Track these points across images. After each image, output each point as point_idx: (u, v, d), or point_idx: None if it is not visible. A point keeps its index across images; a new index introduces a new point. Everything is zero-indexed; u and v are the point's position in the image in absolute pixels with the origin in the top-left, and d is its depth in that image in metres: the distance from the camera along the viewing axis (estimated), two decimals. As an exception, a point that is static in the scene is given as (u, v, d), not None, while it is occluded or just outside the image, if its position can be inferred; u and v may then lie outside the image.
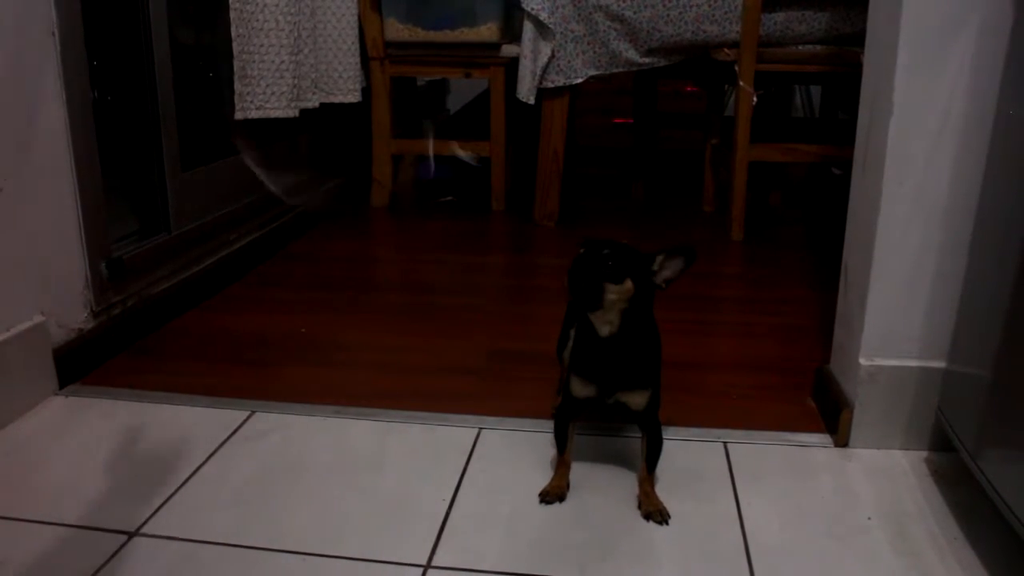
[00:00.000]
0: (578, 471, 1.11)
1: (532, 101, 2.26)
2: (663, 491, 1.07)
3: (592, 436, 1.22)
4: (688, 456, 1.18)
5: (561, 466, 1.09)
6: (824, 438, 1.22)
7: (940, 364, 1.13)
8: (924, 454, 1.17)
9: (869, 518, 1.04)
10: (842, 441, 1.19)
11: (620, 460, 1.16)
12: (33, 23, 1.28)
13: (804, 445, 1.21)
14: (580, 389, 1.06)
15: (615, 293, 0.97)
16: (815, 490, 1.10)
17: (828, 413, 1.25)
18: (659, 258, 1.00)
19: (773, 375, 1.44)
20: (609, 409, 1.07)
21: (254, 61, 1.86)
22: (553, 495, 1.06)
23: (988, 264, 1.03)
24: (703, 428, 1.24)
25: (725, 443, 1.20)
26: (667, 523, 1.02)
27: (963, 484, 1.07)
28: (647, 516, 1.03)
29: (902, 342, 1.15)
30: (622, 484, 1.10)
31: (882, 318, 1.15)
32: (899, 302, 1.14)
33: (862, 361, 1.16)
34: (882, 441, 1.18)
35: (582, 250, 0.99)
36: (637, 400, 1.05)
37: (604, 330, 1.01)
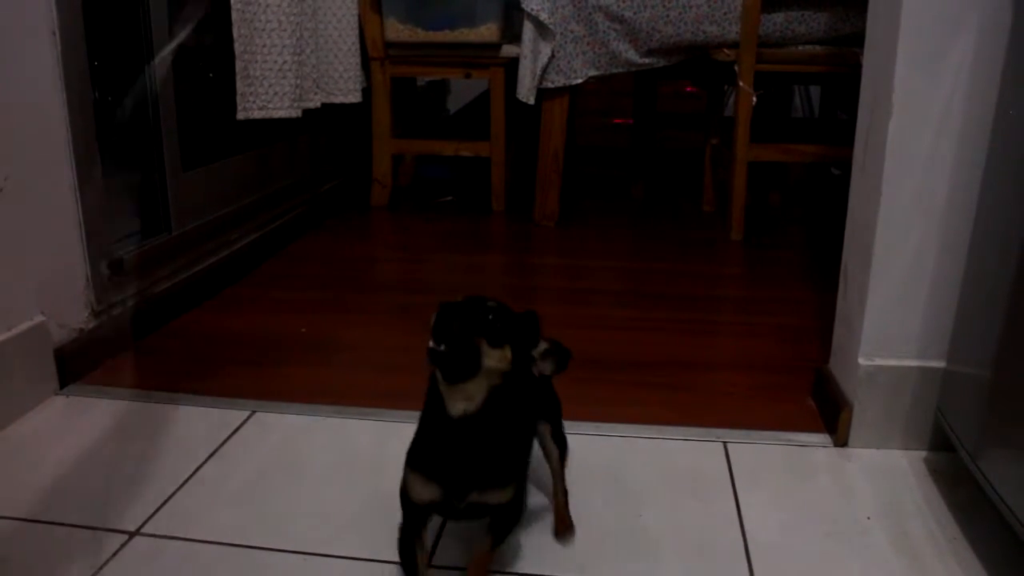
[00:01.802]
0: (575, 470, 1.11)
1: (532, 101, 2.26)
2: (663, 490, 1.07)
3: (586, 436, 1.22)
4: (688, 456, 1.18)
5: None
6: (824, 438, 1.22)
7: (939, 364, 1.13)
8: (923, 454, 1.17)
9: (868, 518, 1.04)
10: (841, 441, 1.19)
11: (618, 460, 1.16)
12: (34, 23, 1.28)
13: (804, 445, 1.21)
14: (421, 491, 0.82)
15: (493, 360, 0.76)
16: (814, 490, 1.11)
17: (828, 413, 1.25)
18: (543, 345, 0.81)
19: (773, 375, 1.45)
20: (460, 514, 0.84)
21: (256, 61, 1.86)
22: None
23: (987, 264, 1.03)
24: (703, 427, 1.24)
25: (725, 443, 1.20)
26: None
27: (962, 484, 1.08)
28: None
29: (901, 342, 1.15)
30: (621, 483, 1.10)
31: (881, 318, 1.15)
32: (898, 302, 1.14)
33: (861, 361, 1.16)
34: (881, 441, 1.18)
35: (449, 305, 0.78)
36: (498, 497, 0.83)
37: (459, 407, 0.77)
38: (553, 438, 0.99)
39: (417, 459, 0.83)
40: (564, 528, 1.00)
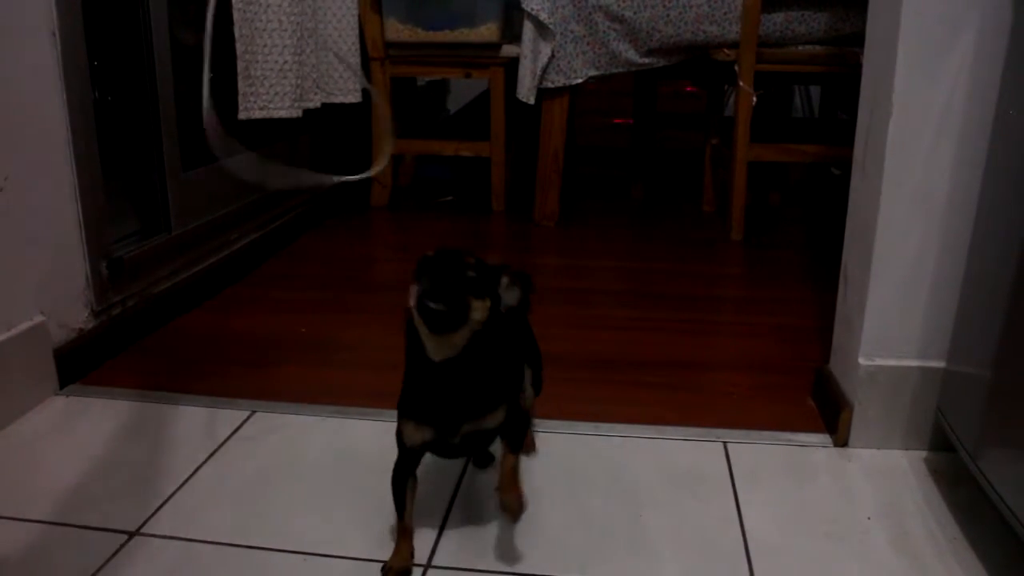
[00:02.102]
0: (575, 470, 1.11)
1: (532, 101, 2.26)
2: (661, 489, 1.07)
3: (586, 436, 1.22)
4: (688, 456, 1.18)
5: (403, 536, 0.94)
6: (824, 438, 1.22)
7: (940, 364, 1.13)
8: (923, 454, 1.17)
9: (868, 518, 1.04)
10: (842, 441, 1.19)
11: (618, 460, 1.16)
12: (34, 24, 1.28)
13: (804, 445, 1.21)
14: (414, 434, 0.88)
15: (478, 312, 0.81)
16: (815, 490, 1.11)
17: (828, 413, 1.25)
18: (504, 279, 0.86)
19: (773, 375, 1.45)
20: (456, 449, 0.91)
21: (257, 62, 1.86)
22: (398, 571, 0.92)
23: (987, 264, 1.03)
24: (703, 428, 1.24)
25: (725, 443, 1.20)
26: (517, 518, 0.94)
27: (962, 484, 1.08)
28: (503, 506, 0.92)
29: (901, 342, 1.15)
30: (621, 483, 1.11)
31: (882, 318, 1.15)
32: (898, 302, 1.14)
33: (862, 361, 1.16)
34: (882, 441, 1.18)
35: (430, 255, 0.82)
36: (491, 421, 0.88)
37: (441, 353, 0.82)
38: (532, 383, 1.09)
39: (407, 406, 0.88)
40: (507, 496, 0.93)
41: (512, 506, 0.92)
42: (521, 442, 0.94)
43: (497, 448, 0.96)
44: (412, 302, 0.79)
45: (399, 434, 0.90)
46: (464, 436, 0.88)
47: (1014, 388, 0.93)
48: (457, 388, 0.85)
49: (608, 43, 2.21)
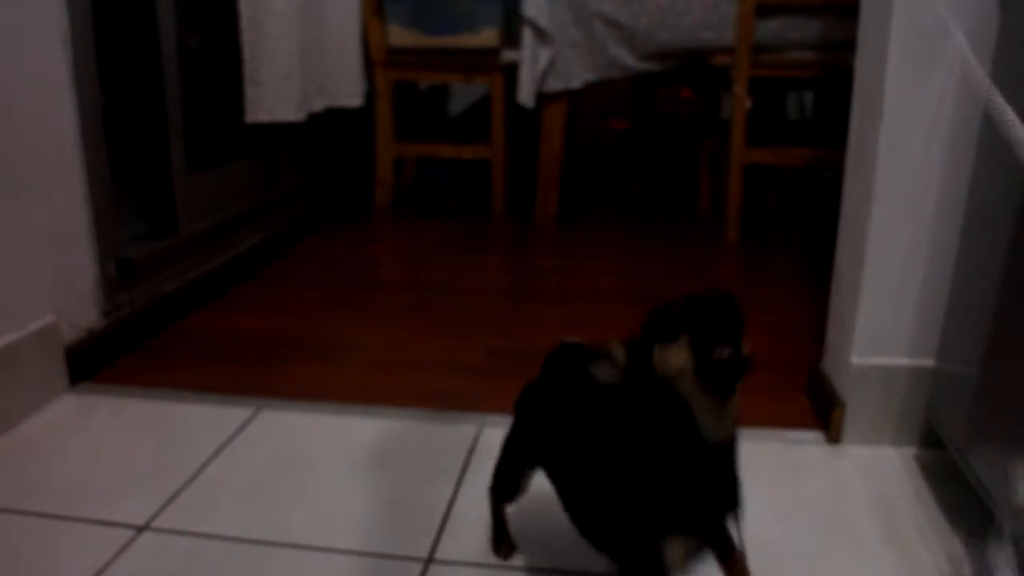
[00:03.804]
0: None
1: (532, 105, 2.29)
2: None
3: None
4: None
5: None
6: (817, 435, 1.24)
7: (930, 363, 1.15)
8: (914, 450, 1.19)
9: (860, 513, 1.06)
10: (834, 438, 1.22)
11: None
12: (46, 32, 1.31)
13: (797, 442, 1.23)
14: (679, 552, 0.65)
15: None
16: (808, 486, 1.13)
17: (821, 410, 1.27)
18: None
19: (767, 373, 1.45)
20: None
21: (264, 66, 1.89)
22: None
23: (976, 265, 1.05)
24: (699, 426, 1.26)
25: (720, 440, 1.22)
26: None
27: (951, 480, 1.09)
28: None
29: (893, 341, 1.17)
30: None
31: (873, 318, 1.17)
32: (890, 302, 1.16)
33: (854, 360, 1.18)
34: (873, 438, 1.20)
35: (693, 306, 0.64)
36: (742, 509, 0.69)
37: (723, 427, 0.63)
38: None
39: (666, 516, 0.63)
40: None
41: None
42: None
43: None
44: (685, 359, 0.60)
45: (652, 557, 0.64)
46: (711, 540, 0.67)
47: (1001, 386, 0.95)
48: (729, 472, 0.64)
49: (606, 48, 2.23)
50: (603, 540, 0.74)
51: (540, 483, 1.08)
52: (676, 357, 0.61)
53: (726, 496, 0.65)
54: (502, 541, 0.97)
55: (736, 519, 0.68)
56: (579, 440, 0.72)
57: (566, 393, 0.78)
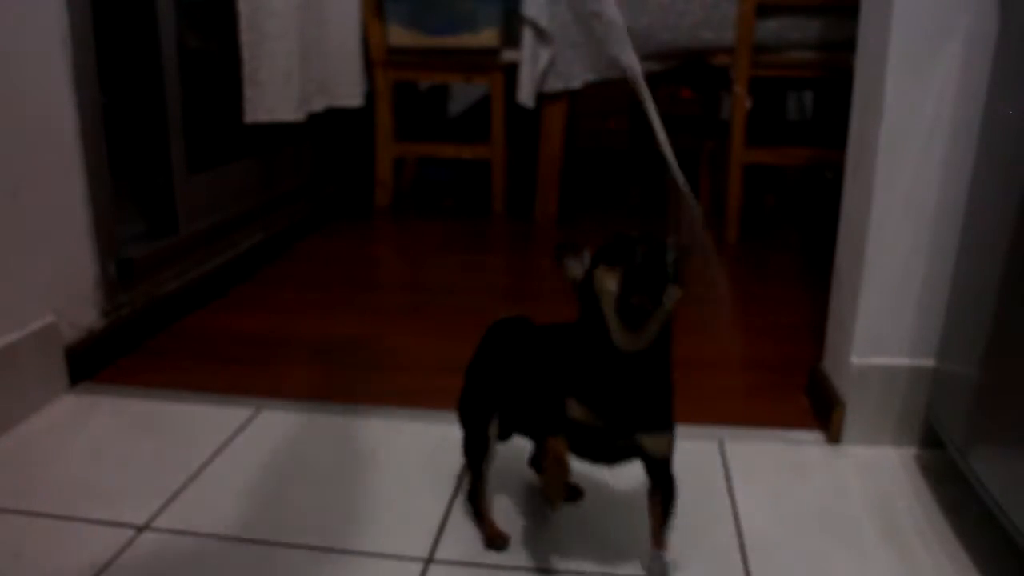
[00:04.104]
0: (573, 467, 1.13)
1: (532, 105, 2.29)
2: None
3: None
4: (684, 453, 1.18)
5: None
6: (817, 435, 1.24)
7: (930, 363, 1.16)
8: (914, 451, 1.20)
9: (860, 513, 1.06)
10: (834, 438, 1.22)
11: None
12: (46, 32, 1.31)
13: (798, 442, 1.23)
14: (577, 414, 0.81)
15: (671, 300, 0.77)
16: (808, 486, 1.13)
17: (821, 411, 1.28)
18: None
19: (767, 374, 1.47)
20: (608, 451, 0.86)
21: (263, 66, 1.89)
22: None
23: (976, 265, 1.05)
24: (699, 426, 1.26)
25: (720, 440, 1.23)
26: None
27: (951, 480, 1.09)
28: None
29: (893, 341, 1.17)
30: (621, 480, 1.13)
31: (873, 318, 1.17)
32: (890, 302, 1.16)
33: (854, 360, 1.18)
34: (873, 438, 1.20)
35: (620, 242, 0.76)
36: (660, 445, 0.85)
37: (632, 345, 0.77)
38: None
39: (577, 387, 0.80)
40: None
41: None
42: (672, 506, 0.88)
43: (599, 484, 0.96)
44: (614, 289, 0.74)
45: (557, 412, 0.80)
46: (626, 445, 0.82)
47: (1001, 386, 0.95)
48: (639, 386, 0.79)
49: (606, 48, 2.24)
50: (528, 422, 0.92)
51: (537, 483, 1.09)
52: (608, 282, 0.76)
53: (636, 399, 0.79)
54: (496, 533, 0.99)
55: (654, 436, 0.82)
56: (522, 352, 0.91)
57: (509, 341, 0.98)
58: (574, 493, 1.06)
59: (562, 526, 1.04)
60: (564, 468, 0.82)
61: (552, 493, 0.84)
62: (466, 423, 0.99)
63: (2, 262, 1.24)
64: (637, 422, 0.81)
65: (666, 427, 0.84)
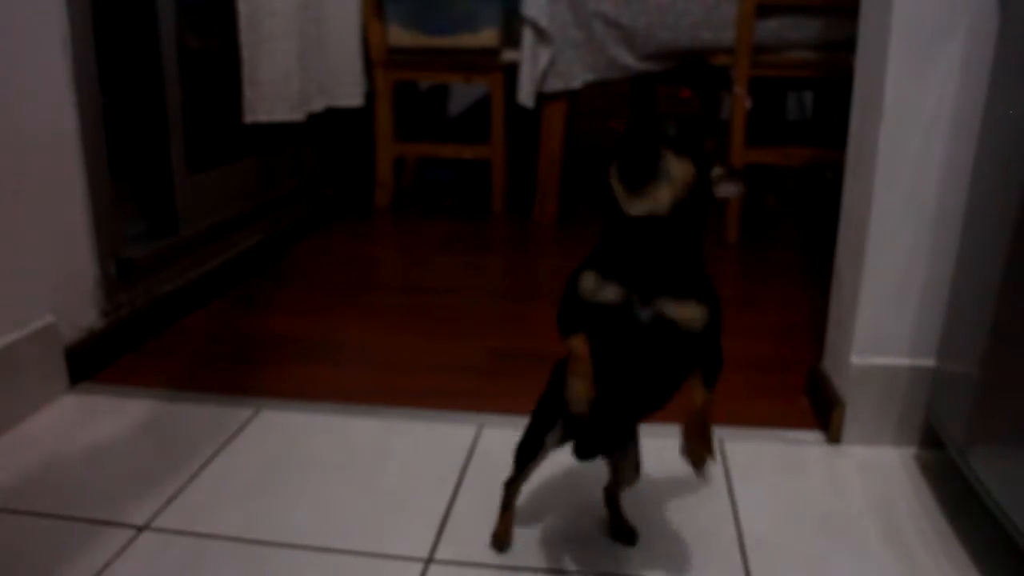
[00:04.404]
0: (573, 466, 1.13)
1: (532, 105, 2.29)
2: (660, 486, 1.09)
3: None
4: (684, 453, 1.20)
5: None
6: (817, 435, 1.24)
7: (930, 363, 1.16)
8: (914, 450, 1.20)
9: (860, 513, 1.06)
10: (835, 438, 1.22)
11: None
12: (46, 32, 1.31)
13: (798, 442, 1.23)
14: (593, 288, 0.78)
15: (677, 169, 0.74)
16: (808, 486, 1.13)
17: (821, 411, 1.28)
18: (719, 170, 0.79)
19: (768, 374, 1.47)
20: (638, 337, 0.77)
21: (262, 66, 1.89)
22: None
23: (976, 265, 1.05)
24: (699, 425, 1.26)
25: (720, 440, 1.23)
26: (703, 474, 0.80)
27: (951, 479, 1.10)
28: (687, 453, 0.79)
29: (893, 341, 1.18)
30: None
31: (873, 318, 1.17)
32: (890, 302, 1.16)
33: (854, 360, 1.19)
34: (873, 438, 1.20)
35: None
36: (689, 313, 0.77)
37: (638, 207, 0.75)
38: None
39: (594, 259, 0.79)
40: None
41: (699, 457, 0.77)
42: (716, 376, 0.80)
43: (660, 460, 0.94)
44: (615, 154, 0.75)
45: (572, 285, 0.79)
46: (653, 319, 0.76)
47: (1001, 386, 0.96)
48: (656, 251, 0.76)
49: (606, 48, 2.24)
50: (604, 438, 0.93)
51: (538, 483, 1.09)
52: (614, 152, 0.77)
53: (654, 264, 0.77)
54: (506, 531, 0.98)
55: (680, 304, 0.77)
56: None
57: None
58: (630, 535, 1.01)
59: (563, 528, 1.04)
60: (586, 367, 0.77)
61: (575, 404, 0.78)
62: (532, 421, 0.95)
63: (2, 262, 1.24)
64: (658, 286, 0.76)
65: (693, 295, 0.77)
